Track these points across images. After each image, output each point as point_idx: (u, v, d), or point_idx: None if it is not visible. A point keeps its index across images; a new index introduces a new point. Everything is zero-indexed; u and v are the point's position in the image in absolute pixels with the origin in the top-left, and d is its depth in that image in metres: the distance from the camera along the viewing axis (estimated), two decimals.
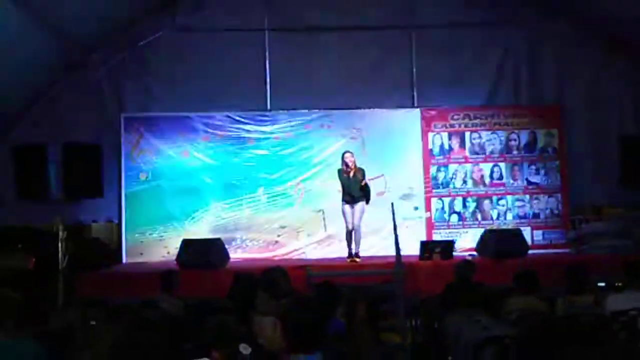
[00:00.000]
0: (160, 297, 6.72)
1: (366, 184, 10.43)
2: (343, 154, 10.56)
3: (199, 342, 3.96)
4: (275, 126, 12.12)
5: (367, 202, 10.49)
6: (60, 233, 10.25)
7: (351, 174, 10.38)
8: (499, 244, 10.26)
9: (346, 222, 10.55)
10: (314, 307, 3.94)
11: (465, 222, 12.05)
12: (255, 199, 11.93)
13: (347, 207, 10.48)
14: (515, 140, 12.17)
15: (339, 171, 10.50)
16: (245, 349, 3.98)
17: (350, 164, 10.39)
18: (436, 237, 11.80)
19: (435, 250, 10.36)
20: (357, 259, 10.48)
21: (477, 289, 7.26)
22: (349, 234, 10.60)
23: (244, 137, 12.07)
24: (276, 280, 6.26)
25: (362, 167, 10.53)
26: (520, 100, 12.52)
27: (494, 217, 12.07)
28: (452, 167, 12.14)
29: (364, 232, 11.61)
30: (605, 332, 5.09)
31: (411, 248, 10.87)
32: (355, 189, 10.40)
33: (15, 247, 10.52)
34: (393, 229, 10.18)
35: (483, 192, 12.12)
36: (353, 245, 10.55)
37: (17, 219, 11.08)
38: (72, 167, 11.41)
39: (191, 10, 12.26)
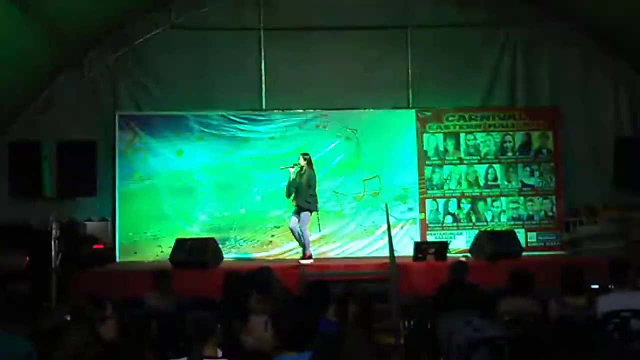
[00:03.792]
0: (149, 295, 6.71)
1: (302, 187, 10.23)
2: None
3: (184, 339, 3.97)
4: (270, 126, 12.11)
5: (303, 207, 10.24)
6: (54, 231, 10.21)
7: (292, 174, 10.33)
8: (493, 245, 10.25)
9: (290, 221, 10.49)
10: (305, 306, 3.93)
11: (459, 224, 12.04)
12: (250, 199, 11.90)
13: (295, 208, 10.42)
14: (510, 141, 12.17)
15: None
16: None
17: (297, 165, 10.37)
18: (430, 238, 11.77)
19: (429, 251, 10.34)
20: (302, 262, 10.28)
21: (471, 290, 7.26)
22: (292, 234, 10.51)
23: (238, 137, 12.05)
24: (268, 279, 6.26)
25: (313, 171, 10.37)
26: (516, 102, 12.53)
27: (488, 218, 12.07)
28: (447, 169, 12.13)
29: (359, 232, 11.73)
30: (597, 334, 5.09)
31: (405, 249, 10.88)
32: (293, 192, 10.33)
33: (9, 244, 10.46)
34: (387, 229, 10.20)
35: (477, 194, 12.12)
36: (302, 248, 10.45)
37: (10, 216, 11.03)
38: (66, 165, 11.35)
39: (186, 9, 12.23)
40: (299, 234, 10.25)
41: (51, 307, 8.94)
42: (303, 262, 10.19)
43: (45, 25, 10.27)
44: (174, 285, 7.37)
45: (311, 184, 10.26)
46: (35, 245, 10.34)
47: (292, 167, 10.37)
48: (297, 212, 10.26)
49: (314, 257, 10.61)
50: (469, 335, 5.56)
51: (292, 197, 10.35)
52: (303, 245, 10.36)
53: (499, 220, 12.07)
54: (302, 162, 10.36)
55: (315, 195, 10.33)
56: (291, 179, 10.32)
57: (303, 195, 10.23)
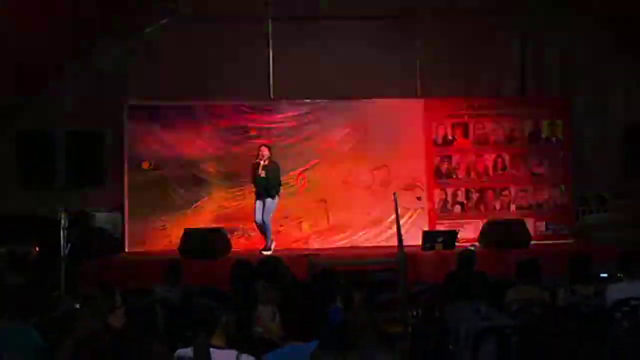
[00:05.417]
0: (157, 285, 6.73)
1: (272, 179, 10.45)
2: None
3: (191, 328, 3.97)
4: (278, 115, 12.07)
5: (271, 196, 10.51)
6: (63, 221, 10.23)
7: (261, 168, 10.42)
8: (502, 234, 10.25)
9: (255, 216, 10.62)
10: (312, 295, 3.93)
11: (468, 213, 12.01)
12: None
13: (257, 201, 10.57)
14: (519, 130, 12.11)
15: (253, 164, 10.58)
16: None
17: (263, 157, 10.46)
18: (439, 227, 11.73)
19: (438, 240, 10.34)
20: (265, 252, 10.41)
21: (479, 278, 7.26)
22: (258, 228, 10.72)
23: (246, 127, 12.01)
24: (276, 269, 6.27)
25: (277, 161, 10.66)
26: (526, 90, 12.47)
27: (497, 207, 12.02)
28: (456, 158, 12.09)
29: (366, 221, 11.71)
30: (604, 322, 5.09)
31: (414, 238, 10.85)
32: (262, 184, 10.45)
33: (19, 234, 10.50)
34: (395, 219, 10.17)
35: (486, 183, 12.07)
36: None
37: (20, 206, 11.07)
38: (75, 154, 11.38)
39: None
40: (265, 225, 10.54)
41: (60, 297, 8.98)
42: (265, 252, 10.38)
43: (54, 13, 10.27)
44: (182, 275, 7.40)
45: (278, 173, 10.59)
46: (44, 235, 10.37)
47: (261, 159, 10.47)
48: (263, 201, 10.49)
49: (322, 246, 10.60)
50: (477, 324, 5.57)
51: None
52: (265, 235, 10.62)
53: (508, 209, 12.03)
54: (267, 153, 10.51)
55: (279, 179, 10.65)
56: (258, 172, 10.46)
57: (272, 184, 10.46)
